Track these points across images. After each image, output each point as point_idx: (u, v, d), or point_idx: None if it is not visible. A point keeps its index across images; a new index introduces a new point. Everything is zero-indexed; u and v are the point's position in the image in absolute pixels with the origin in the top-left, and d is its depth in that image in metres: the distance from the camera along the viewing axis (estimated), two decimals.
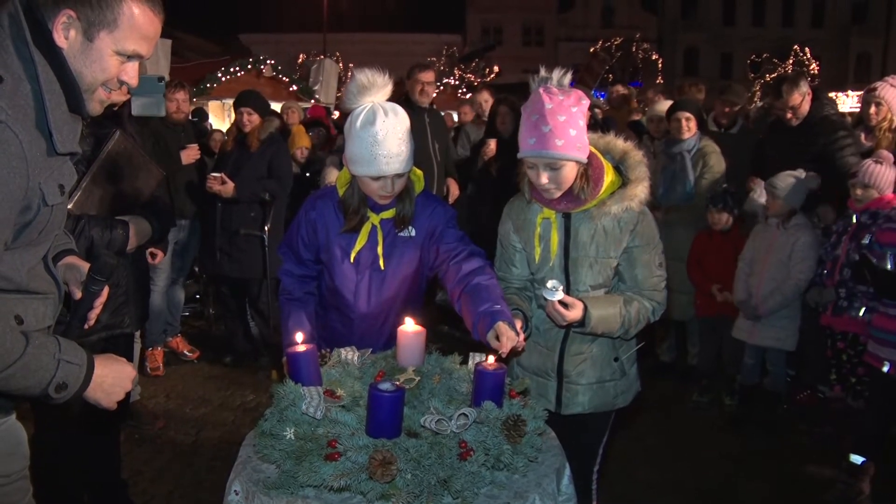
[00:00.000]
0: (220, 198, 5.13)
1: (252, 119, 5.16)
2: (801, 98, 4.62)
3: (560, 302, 2.33)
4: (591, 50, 26.94)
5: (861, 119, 4.91)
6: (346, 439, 1.82)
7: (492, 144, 5.87)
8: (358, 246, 2.55)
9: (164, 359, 5.44)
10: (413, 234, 2.58)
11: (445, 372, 2.29)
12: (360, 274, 2.58)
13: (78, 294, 1.88)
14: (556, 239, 2.46)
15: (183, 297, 5.78)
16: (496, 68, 28.16)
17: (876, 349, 3.55)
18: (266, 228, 5.18)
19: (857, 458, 3.65)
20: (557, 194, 2.37)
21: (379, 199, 2.49)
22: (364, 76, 2.37)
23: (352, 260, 2.57)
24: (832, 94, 8.72)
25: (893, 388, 3.47)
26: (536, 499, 1.85)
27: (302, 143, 6.16)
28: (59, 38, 1.61)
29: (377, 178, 2.40)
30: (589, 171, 2.36)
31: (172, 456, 4.00)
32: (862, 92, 5.09)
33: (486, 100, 7.21)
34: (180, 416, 4.62)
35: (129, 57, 1.68)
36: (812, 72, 28.62)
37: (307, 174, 6.34)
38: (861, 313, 3.94)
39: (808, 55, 29.34)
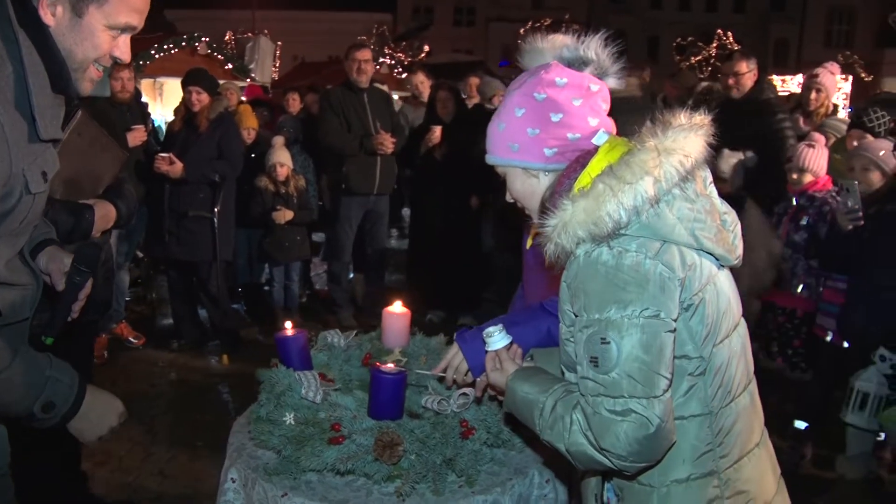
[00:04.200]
0: (169, 179, 4.98)
1: (201, 98, 5.01)
2: (748, 71, 4.77)
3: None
4: (522, 31, 27.11)
5: (800, 103, 5.13)
6: (348, 422, 1.83)
7: (437, 132, 5.87)
8: (533, 232, 2.33)
9: (107, 346, 5.28)
10: None
11: (432, 352, 2.32)
12: (535, 263, 2.30)
13: (61, 285, 1.80)
14: None
15: (128, 281, 5.61)
16: (426, 48, 28.02)
17: (822, 320, 3.76)
18: (216, 210, 5.08)
19: (800, 424, 3.85)
20: (532, 216, 1.65)
21: None
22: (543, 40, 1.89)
23: (528, 246, 2.30)
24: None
25: (837, 356, 3.68)
26: (535, 474, 1.91)
27: (249, 123, 6.03)
28: (46, 16, 1.54)
29: None
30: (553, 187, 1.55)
31: (131, 446, 3.90)
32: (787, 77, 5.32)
33: (421, 81, 7.18)
34: (130, 405, 4.49)
35: (122, 30, 1.61)
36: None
37: (252, 155, 6.22)
38: (799, 290, 4.16)
39: (731, 39, 30.24)
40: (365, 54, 5.50)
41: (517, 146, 1.57)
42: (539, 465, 1.94)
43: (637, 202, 1.35)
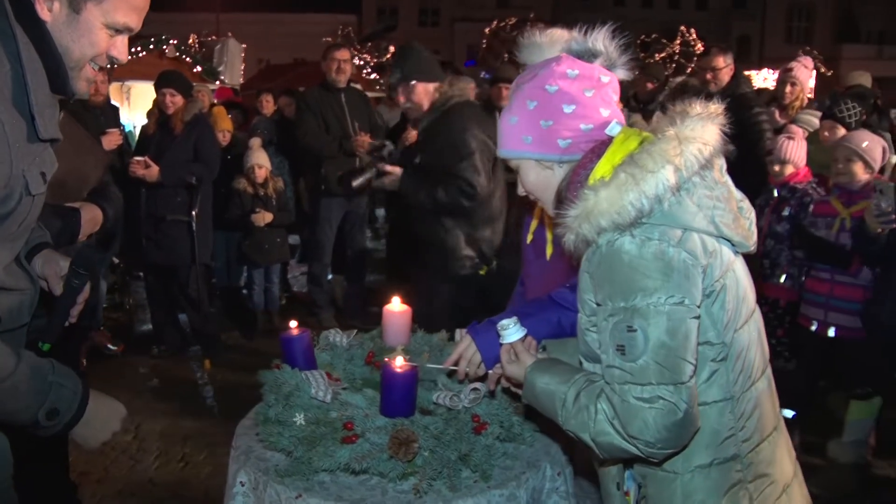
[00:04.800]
0: (145, 183, 4.90)
1: (175, 100, 4.93)
2: (725, 66, 4.84)
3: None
4: (487, 30, 27.18)
5: (775, 97, 5.21)
6: (360, 421, 1.81)
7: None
8: (533, 225, 2.33)
9: (85, 354, 5.16)
10: None
11: (434, 348, 2.30)
12: (536, 258, 2.31)
13: (59, 289, 1.75)
14: None
15: (105, 287, 5.49)
16: (392, 49, 27.94)
17: (807, 310, 3.81)
18: (193, 213, 5.00)
19: (787, 412, 3.90)
20: (545, 208, 1.67)
21: None
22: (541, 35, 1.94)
23: (528, 240, 2.34)
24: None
25: (821, 345, 3.73)
26: (548, 467, 1.90)
27: (224, 125, 5.95)
28: (43, 11, 1.49)
29: None
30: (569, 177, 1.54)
31: (116, 455, 3.81)
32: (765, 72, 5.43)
33: None
34: None
35: (119, 30, 1.56)
36: (697, 51, 29.99)
37: (228, 157, 6.14)
38: (782, 280, 4.21)
39: (695, 36, 30.65)
40: (344, 54, 5.47)
41: (531, 138, 1.56)
42: (550, 457, 1.93)
43: (659, 190, 1.36)
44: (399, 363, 1.85)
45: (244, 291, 6.40)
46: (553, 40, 2.03)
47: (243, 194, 5.67)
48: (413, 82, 3.39)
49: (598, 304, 1.44)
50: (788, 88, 5.00)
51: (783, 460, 1.55)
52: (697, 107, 1.45)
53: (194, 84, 5.99)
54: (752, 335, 1.50)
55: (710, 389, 1.45)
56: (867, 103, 4.74)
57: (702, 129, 1.41)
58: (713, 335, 1.43)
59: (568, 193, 1.50)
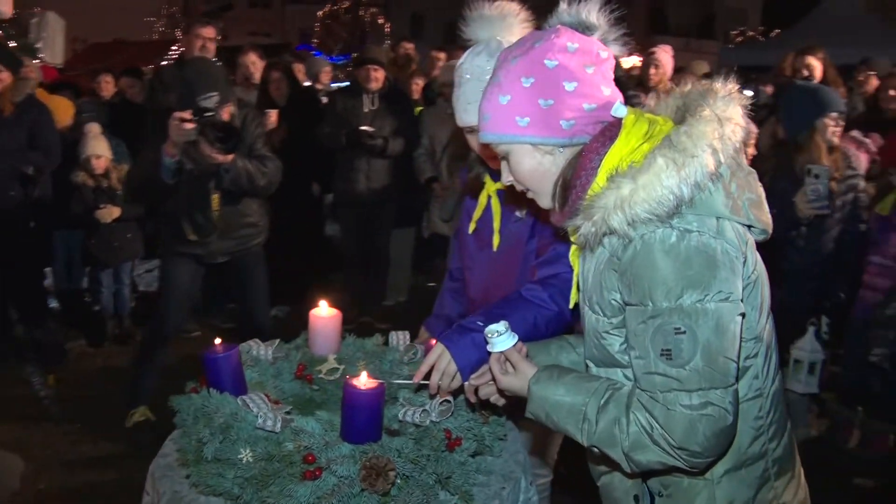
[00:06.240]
0: None
1: (2, 77, 4.25)
2: None
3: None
4: (320, 14, 26.53)
5: (641, 80, 5.35)
6: (321, 451, 1.54)
7: (273, 116, 5.48)
8: (476, 215, 2.14)
9: None
10: (524, 214, 2.03)
11: (371, 356, 2.07)
12: (479, 250, 2.17)
13: None
14: (576, 271, 1.52)
15: None
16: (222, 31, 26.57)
17: None
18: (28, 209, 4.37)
19: None
20: (538, 199, 1.48)
21: (486, 160, 2.03)
22: (490, 7, 1.90)
23: (470, 230, 2.18)
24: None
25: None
26: (522, 478, 1.74)
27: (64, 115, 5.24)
28: None
29: (470, 131, 1.94)
30: (576, 163, 1.38)
31: None
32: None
33: (252, 61, 6.68)
34: None
35: None
36: None
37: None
38: None
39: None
40: (209, 31, 4.95)
41: (527, 120, 1.36)
42: (521, 466, 1.77)
43: (699, 177, 1.23)
44: (363, 381, 1.60)
45: (86, 295, 5.72)
46: (503, 13, 1.88)
47: (83, 188, 5.02)
48: None
49: (628, 304, 1.29)
50: (652, 70, 5.16)
51: (795, 452, 1.49)
52: (721, 86, 1.33)
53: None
54: (772, 328, 1.41)
55: (744, 387, 1.34)
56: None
57: (733, 110, 1.29)
58: (748, 330, 1.32)
59: (577, 181, 1.34)
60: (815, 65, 4.73)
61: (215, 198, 3.48)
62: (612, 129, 1.35)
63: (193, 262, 3.67)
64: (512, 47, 1.43)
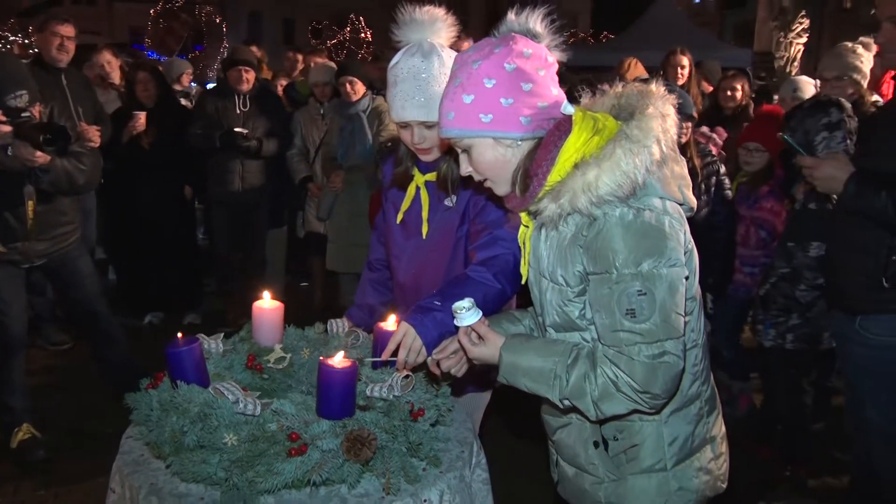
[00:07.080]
0: None
1: None
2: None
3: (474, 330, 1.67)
4: (152, 12, 25.27)
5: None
6: (302, 429, 1.65)
7: (141, 118, 5.32)
8: (404, 206, 2.25)
9: None
10: (454, 203, 2.19)
11: (314, 343, 2.17)
12: (407, 239, 2.29)
13: None
14: (527, 249, 1.71)
15: None
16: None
17: None
18: None
19: None
20: (495, 187, 1.66)
21: (417, 153, 2.14)
22: (421, 12, 2.05)
23: (398, 220, 2.29)
24: None
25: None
26: (474, 442, 1.92)
27: None
28: None
29: (404, 126, 2.08)
30: (535, 154, 1.57)
31: None
32: None
33: (108, 60, 6.40)
34: None
35: None
36: (366, 38, 31.34)
37: None
38: None
39: (363, 23, 31.89)
40: (68, 29, 4.68)
41: (490, 116, 1.54)
42: (471, 432, 1.96)
43: (648, 164, 1.47)
44: (338, 360, 1.71)
45: None
46: (433, 17, 2.05)
47: None
48: None
49: (592, 274, 1.51)
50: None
51: (717, 394, 1.78)
52: (655, 87, 1.59)
53: None
54: (698, 287, 1.68)
55: (688, 338, 1.61)
56: None
57: (669, 108, 1.55)
58: (688, 290, 1.58)
59: (538, 170, 1.54)
60: (686, 64, 5.48)
61: (31, 203, 3.36)
62: (564, 125, 1.56)
63: (12, 268, 3.50)
64: (469, 52, 1.60)
